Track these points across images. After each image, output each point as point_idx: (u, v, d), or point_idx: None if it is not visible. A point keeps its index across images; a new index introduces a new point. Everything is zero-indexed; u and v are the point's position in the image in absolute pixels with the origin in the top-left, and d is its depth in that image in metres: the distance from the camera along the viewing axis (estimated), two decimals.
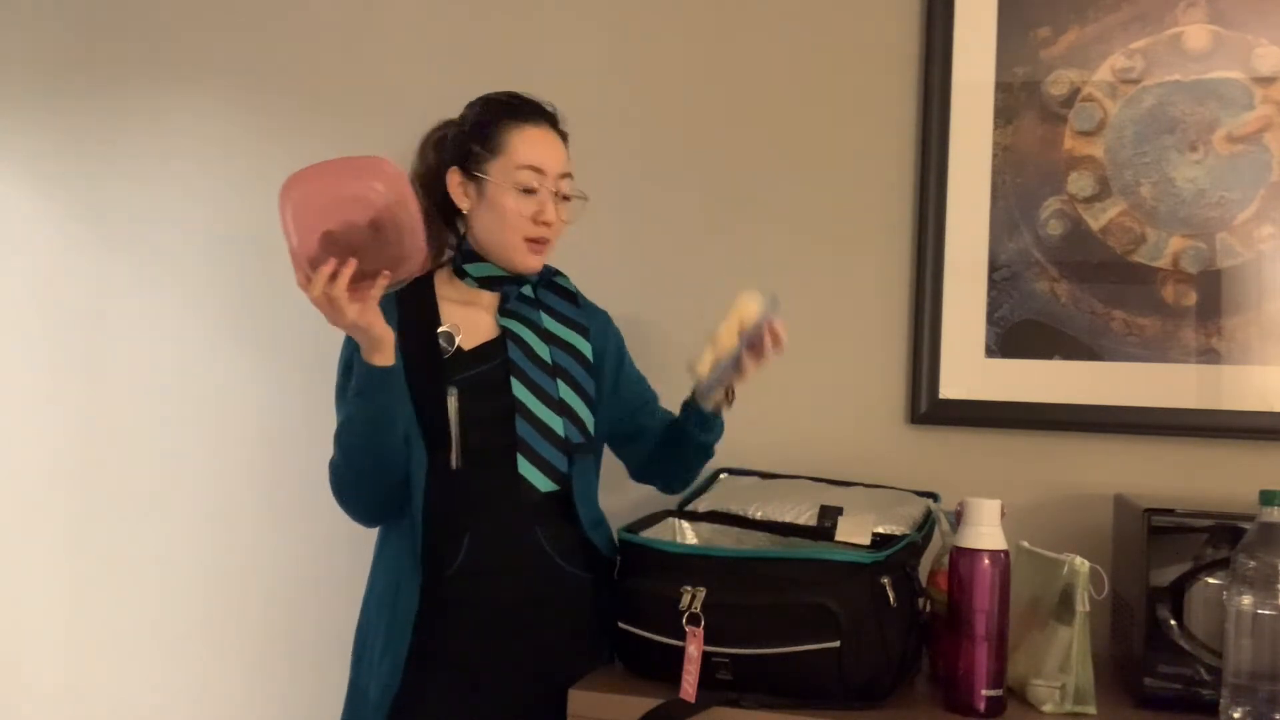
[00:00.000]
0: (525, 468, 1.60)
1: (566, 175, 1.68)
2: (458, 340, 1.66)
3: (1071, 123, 1.84)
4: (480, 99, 1.71)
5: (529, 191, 1.64)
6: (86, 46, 2.36)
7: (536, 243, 1.66)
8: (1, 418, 2.40)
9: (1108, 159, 1.83)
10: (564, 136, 1.71)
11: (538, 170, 1.64)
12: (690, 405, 1.69)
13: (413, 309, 1.68)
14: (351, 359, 1.61)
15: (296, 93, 2.24)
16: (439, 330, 1.66)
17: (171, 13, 2.32)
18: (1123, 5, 1.82)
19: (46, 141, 2.38)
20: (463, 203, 1.69)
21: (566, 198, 1.69)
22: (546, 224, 1.65)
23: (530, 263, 1.67)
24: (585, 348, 1.71)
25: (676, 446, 1.74)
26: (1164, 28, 1.80)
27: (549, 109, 1.71)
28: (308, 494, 2.21)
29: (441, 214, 1.71)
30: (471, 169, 1.67)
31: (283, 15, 2.25)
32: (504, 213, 1.65)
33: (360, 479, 1.61)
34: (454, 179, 1.69)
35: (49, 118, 2.38)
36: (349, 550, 2.14)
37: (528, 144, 1.65)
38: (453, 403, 1.61)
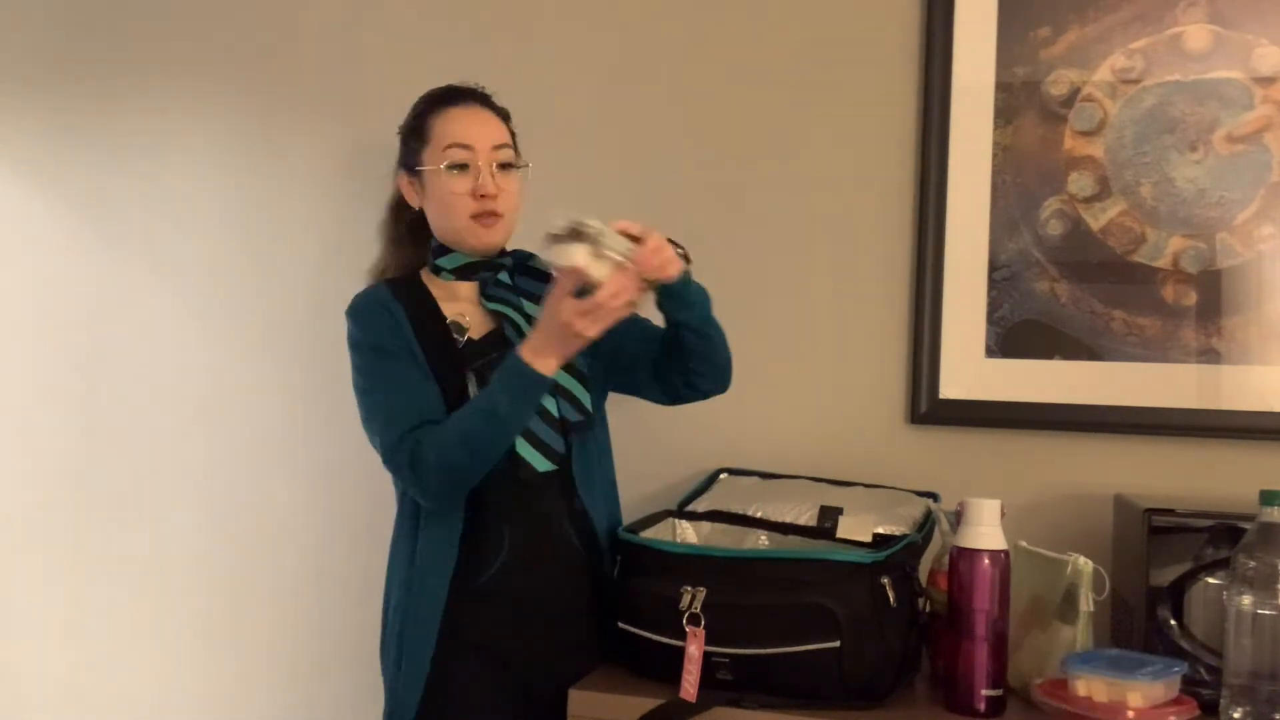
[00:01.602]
0: (523, 448, 1.60)
1: (503, 146, 1.68)
2: (467, 331, 1.67)
3: (1071, 123, 1.84)
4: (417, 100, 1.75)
5: (460, 167, 1.66)
6: (87, 45, 2.36)
7: (484, 217, 1.66)
8: (1, 417, 2.40)
9: (1108, 159, 1.83)
10: (501, 114, 1.73)
11: (465, 146, 1.66)
12: (660, 297, 1.60)
13: (416, 306, 1.69)
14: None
15: (297, 92, 2.23)
16: (449, 320, 1.67)
17: (172, 12, 2.31)
18: (1123, 5, 1.82)
19: (46, 141, 2.38)
20: (414, 201, 1.73)
21: (507, 166, 1.68)
22: (487, 196, 1.65)
23: (483, 239, 1.67)
24: None
25: (674, 345, 1.64)
26: (1164, 28, 1.80)
27: (475, 89, 1.73)
28: (307, 494, 2.21)
29: (414, 217, 1.75)
30: (413, 166, 1.71)
31: (284, 14, 2.25)
32: (443, 196, 1.67)
33: (482, 462, 1.58)
34: (403, 181, 1.74)
35: (49, 117, 2.37)
36: (348, 550, 2.15)
37: (451, 123, 1.68)
38: (473, 389, 1.61)
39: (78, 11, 2.37)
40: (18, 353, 2.39)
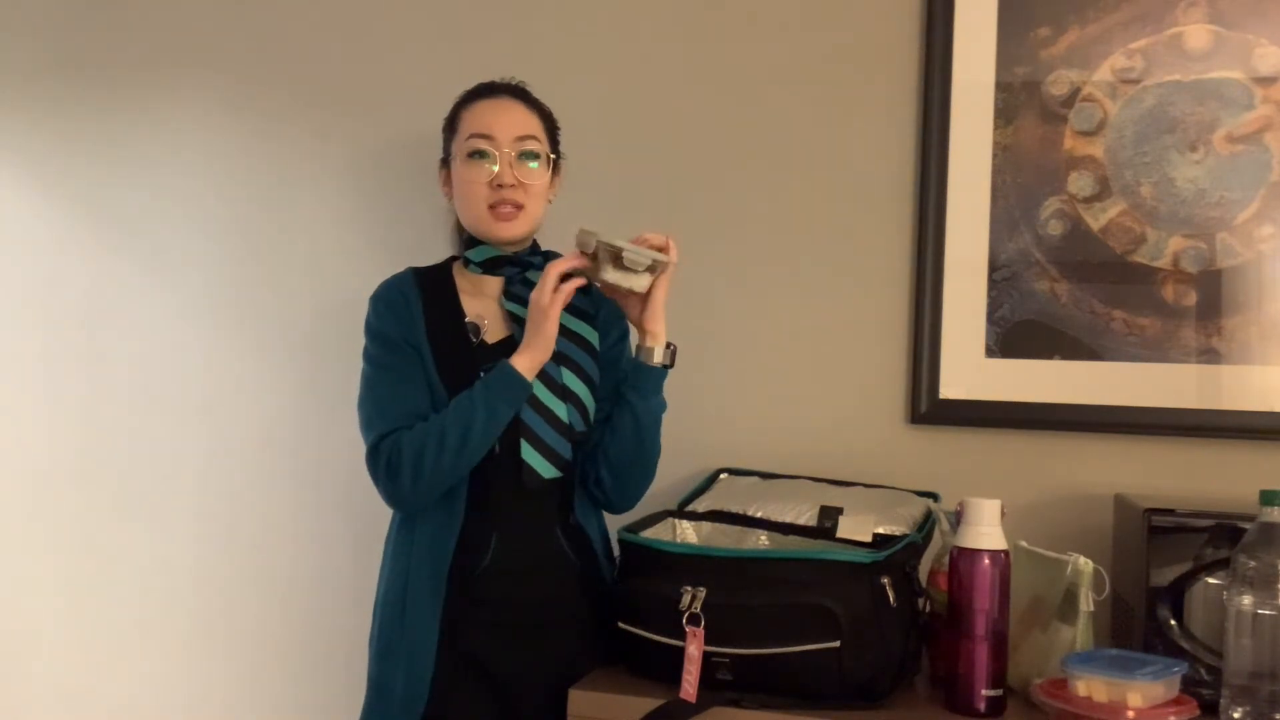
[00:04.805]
0: (528, 453, 1.59)
1: (527, 138, 1.67)
2: (483, 332, 1.66)
3: (1071, 123, 1.84)
4: None
5: (480, 155, 1.66)
6: (86, 46, 2.35)
7: (500, 207, 1.65)
8: (0, 417, 2.40)
9: (1108, 159, 1.83)
10: (536, 107, 1.72)
11: (485, 136, 1.66)
12: (630, 368, 1.65)
13: (436, 302, 1.69)
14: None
15: (297, 92, 2.23)
16: (468, 320, 1.66)
17: (171, 11, 2.31)
18: (1123, 5, 1.82)
19: (45, 141, 2.37)
20: (445, 192, 1.74)
21: (530, 156, 1.67)
22: (505, 185, 1.65)
23: (500, 230, 1.67)
24: (592, 335, 1.71)
25: (620, 424, 1.65)
26: (1164, 28, 1.80)
27: (506, 82, 1.73)
28: (307, 494, 2.21)
29: None
30: (444, 158, 1.73)
31: (283, 14, 2.25)
32: (462, 184, 1.68)
33: (457, 463, 1.58)
34: (440, 175, 1.75)
35: (48, 118, 2.37)
36: (348, 551, 2.15)
37: (474, 115, 1.69)
38: None
39: (78, 14, 2.36)
40: (17, 353, 2.38)
